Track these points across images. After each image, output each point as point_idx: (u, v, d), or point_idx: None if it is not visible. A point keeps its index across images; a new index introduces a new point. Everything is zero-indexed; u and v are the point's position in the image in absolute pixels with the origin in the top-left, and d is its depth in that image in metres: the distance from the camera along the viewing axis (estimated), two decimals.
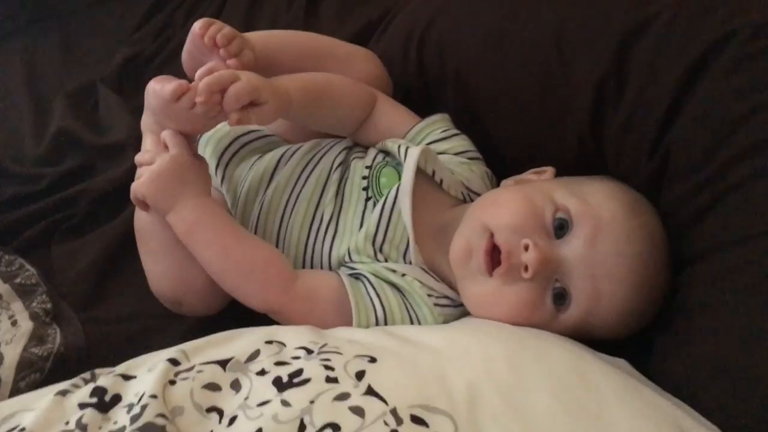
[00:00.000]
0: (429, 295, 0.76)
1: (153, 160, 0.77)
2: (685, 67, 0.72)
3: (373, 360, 0.60)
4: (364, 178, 0.82)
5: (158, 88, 0.76)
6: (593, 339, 0.72)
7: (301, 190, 0.83)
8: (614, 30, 0.77)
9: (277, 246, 0.82)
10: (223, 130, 0.91)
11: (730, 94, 0.69)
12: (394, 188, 0.79)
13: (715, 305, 0.65)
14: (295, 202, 0.83)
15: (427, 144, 0.85)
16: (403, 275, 0.76)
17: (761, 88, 0.67)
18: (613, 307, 0.70)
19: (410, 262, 0.78)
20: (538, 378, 0.59)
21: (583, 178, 0.79)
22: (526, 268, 0.69)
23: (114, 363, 0.79)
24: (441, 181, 0.81)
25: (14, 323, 0.82)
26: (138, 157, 0.80)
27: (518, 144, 0.87)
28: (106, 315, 0.88)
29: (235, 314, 0.83)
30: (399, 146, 0.81)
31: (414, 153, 0.78)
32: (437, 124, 0.87)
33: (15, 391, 0.73)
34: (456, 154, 0.85)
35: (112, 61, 1.21)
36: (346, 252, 0.79)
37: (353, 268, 0.79)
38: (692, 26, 0.72)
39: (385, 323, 0.74)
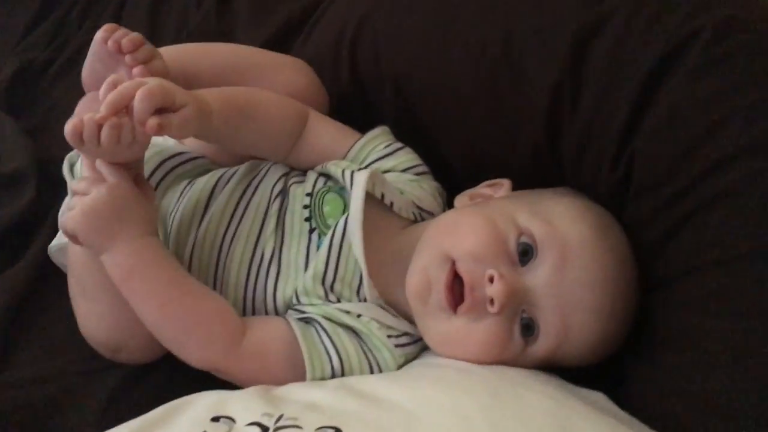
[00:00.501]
0: (389, 336, 0.69)
1: (88, 191, 0.66)
2: (645, 71, 0.67)
3: None
4: (305, 207, 0.74)
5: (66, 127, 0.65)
6: (562, 367, 0.68)
7: (238, 224, 0.74)
8: (567, 30, 0.71)
9: (213, 288, 0.73)
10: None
11: (697, 101, 0.64)
12: (342, 220, 0.71)
13: (695, 332, 0.61)
14: (233, 237, 0.74)
15: (371, 162, 0.78)
16: (359, 316, 0.70)
17: (729, 93, 0.63)
18: (584, 337, 0.65)
19: (365, 299, 0.71)
20: None
21: (544, 193, 0.73)
22: (492, 302, 0.63)
23: None
24: (391, 203, 0.74)
25: None
26: (72, 185, 0.70)
27: (467, 155, 0.81)
28: (18, 377, 0.76)
29: (171, 361, 0.74)
30: (343, 171, 0.73)
31: (361, 179, 0.71)
32: (378, 139, 0.79)
33: None
34: (403, 170, 0.78)
35: None
36: (293, 294, 0.71)
37: (302, 311, 0.71)
38: (651, 27, 0.67)
39: (342, 373, 0.67)
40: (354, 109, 0.88)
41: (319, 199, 0.74)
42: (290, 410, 0.57)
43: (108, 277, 0.67)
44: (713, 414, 0.57)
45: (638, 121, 0.68)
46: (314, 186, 0.75)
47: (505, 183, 0.76)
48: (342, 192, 0.75)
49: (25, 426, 0.72)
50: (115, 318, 0.72)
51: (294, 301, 0.71)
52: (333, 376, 0.67)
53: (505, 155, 0.78)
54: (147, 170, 0.79)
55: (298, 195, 0.75)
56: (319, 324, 0.69)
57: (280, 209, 0.74)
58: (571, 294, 0.64)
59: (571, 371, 0.68)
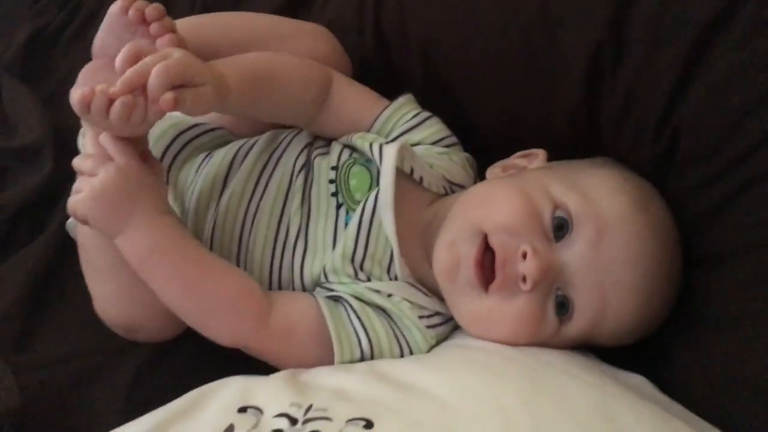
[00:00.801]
0: (420, 317, 0.67)
1: (95, 171, 0.63)
2: (691, 36, 0.63)
3: (369, 425, 0.51)
4: (331, 181, 0.71)
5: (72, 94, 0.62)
6: (597, 346, 0.65)
7: (260, 200, 0.71)
8: None
9: (237, 266, 0.71)
10: (159, 127, 0.77)
11: (747, 67, 0.60)
12: (372, 196, 0.68)
13: (744, 317, 0.58)
14: (255, 214, 0.71)
15: (399, 135, 0.74)
16: (390, 296, 0.67)
17: None
18: (622, 317, 0.63)
19: (395, 277, 0.68)
20: (561, 423, 0.51)
21: (581, 164, 0.70)
22: (524, 279, 0.61)
23: (56, 419, 0.71)
24: (420, 178, 0.71)
25: None
26: (76, 163, 0.66)
27: (499, 123, 0.77)
28: (40, 358, 0.75)
29: (196, 339, 0.71)
30: (371, 144, 0.70)
31: (391, 154, 0.68)
32: (405, 108, 0.76)
33: None
34: (433, 143, 0.75)
35: (11, 41, 1.02)
36: (321, 272, 0.69)
37: (331, 290, 0.68)
38: None
39: (371, 356, 0.65)
40: (378, 74, 0.84)
41: (345, 173, 0.71)
42: (319, 400, 0.55)
43: (120, 258, 0.65)
44: (758, 398, 0.55)
45: (684, 88, 0.64)
46: (339, 159, 0.72)
47: (540, 153, 0.72)
48: (368, 164, 0.72)
49: (50, 406, 0.71)
50: (130, 299, 0.70)
51: (322, 279, 0.69)
52: (362, 359, 0.65)
53: (540, 123, 0.74)
54: (162, 143, 0.77)
55: (324, 169, 0.72)
56: (349, 304, 0.67)
57: (305, 184, 0.71)
58: (608, 272, 0.61)
59: (609, 350, 0.65)
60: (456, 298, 0.66)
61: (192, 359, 0.75)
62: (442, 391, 0.55)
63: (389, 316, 0.67)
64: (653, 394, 0.60)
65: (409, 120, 0.75)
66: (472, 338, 0.66)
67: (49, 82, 1.00)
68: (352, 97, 0.76)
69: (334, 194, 0.71)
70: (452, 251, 0.65)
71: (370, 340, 0.65)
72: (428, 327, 0.67)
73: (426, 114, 0.76)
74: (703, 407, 0.58)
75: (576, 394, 0.55)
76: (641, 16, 0.65)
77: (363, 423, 0.51)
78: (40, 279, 0.81)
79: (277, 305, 0.67)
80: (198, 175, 0.75)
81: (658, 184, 0.67)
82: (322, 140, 0.77)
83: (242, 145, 0.75)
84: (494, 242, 0.63)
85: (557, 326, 0.63)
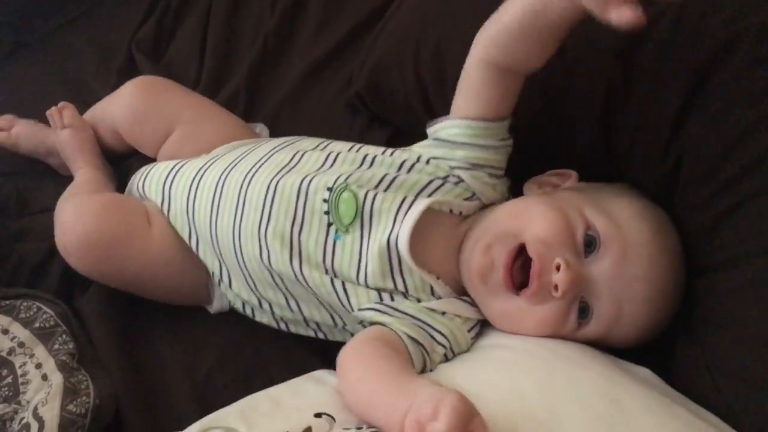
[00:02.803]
0: (468, 330, 0.76)
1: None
2: (692, 71, 0.71)
3: None
4: (324, 201, 0.77)
5: None
6: (608, 347, 0.73)
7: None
8: (617, 34, 0.75)
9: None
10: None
11: (742, 99, 0.68)
12: (387, 238, 0.75)
13: (740, 318, 0.66)
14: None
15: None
16: (444, 313, 0.76)
17: None
18: (633, 325, 0.72)
19: (439, 297, 0.77)
20: (573, 412, 0.60)
21: (605, 188, 0.78)
22: (556, 288, 0.69)
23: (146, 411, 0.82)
24: (450, 210, 0.78)
25: (44, 377, 0.83)
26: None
27: (528, 153, 0.84)
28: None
29: (258, 339, 0.87)
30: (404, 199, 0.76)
31: (415, 212, 0.74)
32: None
33: None
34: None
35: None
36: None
37: (390, 309, 0.75)
38: (697, 29, 0.71)
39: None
40: (418, 109, 0.94)
41: (337, 197, 0.76)
42: None
43: None
44: (754, 390, 0.63)
45: (685, 118, 0.72)
46: (336, 180, 0.77)
47: (573, 174, 0.80)
48: (359, 190, 0.76)
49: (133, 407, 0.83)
50: None
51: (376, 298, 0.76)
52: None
53: (563, 153, 0.83)
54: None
55: (321, 187, 0.77)
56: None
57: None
58: (627, 287, 0.70)
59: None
60: (487, 298, 0.74)
61: (254, 357, 0.87)
62: (470, 386, 0.63)
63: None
64: (659, 385, 0.67)
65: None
66: (500, 336, 0.74)
67: None
68: None
69: (327, 213, 0.77)
70: (487, 255, 0.72)
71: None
72: (472, 338, 0.76)
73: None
74: (704, 398, 0.66)
75: (588, 383, 0.63)
76: (647, 57, 0.73)
77: None
78: None
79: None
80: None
81: (665, 202, 0.76)
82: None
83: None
84: (532, 252, 0.70)
85: (576, 327, 0.71)
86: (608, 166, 0.81)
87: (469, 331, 0.76)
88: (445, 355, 0.74)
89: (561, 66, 0.78)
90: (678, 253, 0.73)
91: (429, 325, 0.74)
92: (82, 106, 1.08)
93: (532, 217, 0.72)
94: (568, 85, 0.79)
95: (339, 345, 0.74)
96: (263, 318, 0.88)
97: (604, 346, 0.72)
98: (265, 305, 0.85)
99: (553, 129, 0.82)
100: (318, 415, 0.63)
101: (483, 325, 0.78)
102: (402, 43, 0.96)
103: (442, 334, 0.74)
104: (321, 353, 0.84)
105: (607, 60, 0.76)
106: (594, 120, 0.78)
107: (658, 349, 0.74)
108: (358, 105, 1.04)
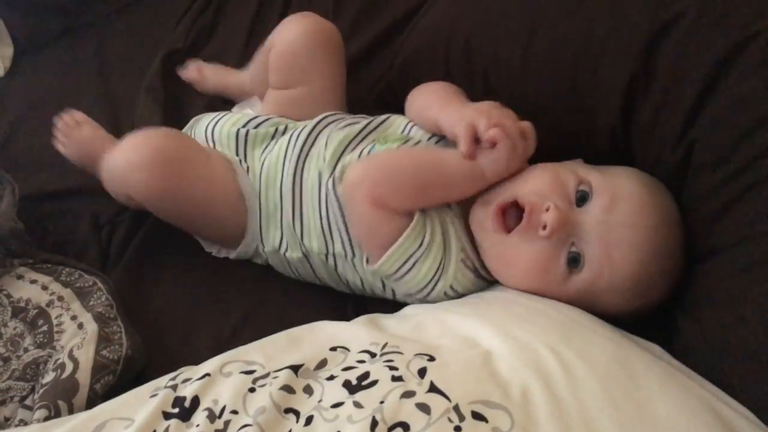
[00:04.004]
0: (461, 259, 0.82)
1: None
2: (709, 66, 0.75)
3: (431, 359, 0.65)
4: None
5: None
6: (605, 310, 0.76)
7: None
8: (641, 30, 0.80)
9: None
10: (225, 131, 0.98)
11: (753, 94, 0.72)
12: None
13: (741, 296, 0.68)
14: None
15: None
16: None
17: None
18: (622, 272, 0.75)
19: None
20: (583, 370, 0.63)
21: (609, 166, 0.83)
22: (544, 227, 0.74)
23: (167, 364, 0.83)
24: None
25: (80, 326, 0.87)
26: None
27: (549, 140, 0.89)
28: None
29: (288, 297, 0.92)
30: None
31: None
32: None
33: (91, 394, 0.78)
34: None
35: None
36: None
37: None
38: (716, 27, 0.75)
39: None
40: None
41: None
42: (393, 340, 0.68)
43: None
44: (751, 364, 0.65)
45: (701, 109, 0.76)
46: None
47: (577, 161, 0.85)
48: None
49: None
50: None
51: None
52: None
53: (583, 140, 0.88)
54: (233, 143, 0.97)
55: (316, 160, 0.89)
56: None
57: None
58: (615, 232, 0.74)
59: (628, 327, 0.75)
60: (485, 242, 0.81)
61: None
62: (488, 341, 0.67)
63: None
64: (664, 357, 0.70)
65: None
66: (511, 292, 0.79)
67: None
68: None
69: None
70: (486, 207, 0.80)
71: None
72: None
73: None
74: (705, 371, 0.68)
75: (598, 345, 0.67)
76: (667, 51, 0.78)
77: (427, 357, 0.65)
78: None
79: None
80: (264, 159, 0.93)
81: (676, 189, 0.80)
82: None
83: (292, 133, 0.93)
84: (524, 199, 0.77)
85: (566, 275, 0.76)
86: (626, 155, 0.85)
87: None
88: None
89: (585, 56, 0.83)
90: (671, 212, 0.78)
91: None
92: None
93: (528, 178, 0.80)
94: (592, 74, 0.84)
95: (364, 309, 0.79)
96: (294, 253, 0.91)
97: (606, 313, 0.75)
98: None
99: (574, 117, 0.87)
100: (333, 349, 0.68)
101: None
102: (434, 38, 1.02)
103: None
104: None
105: (632, 52, 0.81)
106: (617, 108, 0.83)
107: (664, 328, 0.77)
108: (388, 96, 1.10)
